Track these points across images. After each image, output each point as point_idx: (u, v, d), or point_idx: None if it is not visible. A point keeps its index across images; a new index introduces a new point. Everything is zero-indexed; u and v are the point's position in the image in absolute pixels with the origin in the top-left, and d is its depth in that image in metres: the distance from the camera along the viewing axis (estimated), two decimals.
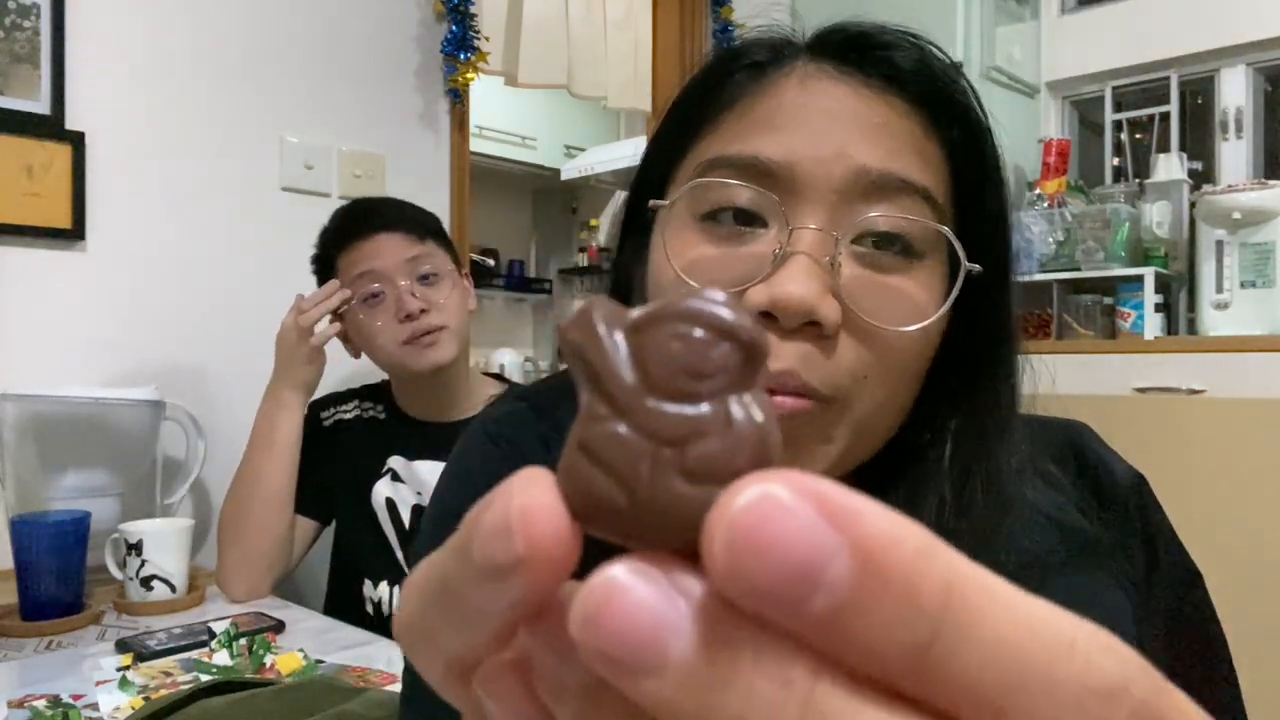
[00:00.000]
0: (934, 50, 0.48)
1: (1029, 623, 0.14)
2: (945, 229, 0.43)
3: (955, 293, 0.44)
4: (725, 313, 0.13)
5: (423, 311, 1.26)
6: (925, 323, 0.43)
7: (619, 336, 0.13)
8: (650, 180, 0.50)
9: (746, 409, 0.13)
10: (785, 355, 0.40)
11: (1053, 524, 0.52)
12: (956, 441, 0.47)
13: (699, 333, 0.13)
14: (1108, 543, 0.90)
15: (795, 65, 0.46)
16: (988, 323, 0.47)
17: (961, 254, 0.43)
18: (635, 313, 0.14)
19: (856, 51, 0.45)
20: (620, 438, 0.13)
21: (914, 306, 0.43)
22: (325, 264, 1.34)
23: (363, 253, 1.28)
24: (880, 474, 0.47)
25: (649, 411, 0.13)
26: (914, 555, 0.13)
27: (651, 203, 0.47)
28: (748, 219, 0.43)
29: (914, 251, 0.43)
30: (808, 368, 0.41)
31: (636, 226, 0.51)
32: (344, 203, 1.82)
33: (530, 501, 0.13)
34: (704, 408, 0.13)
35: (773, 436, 0.13)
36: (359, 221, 1.31)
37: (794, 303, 0.39)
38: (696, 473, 0.12)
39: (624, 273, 0.52)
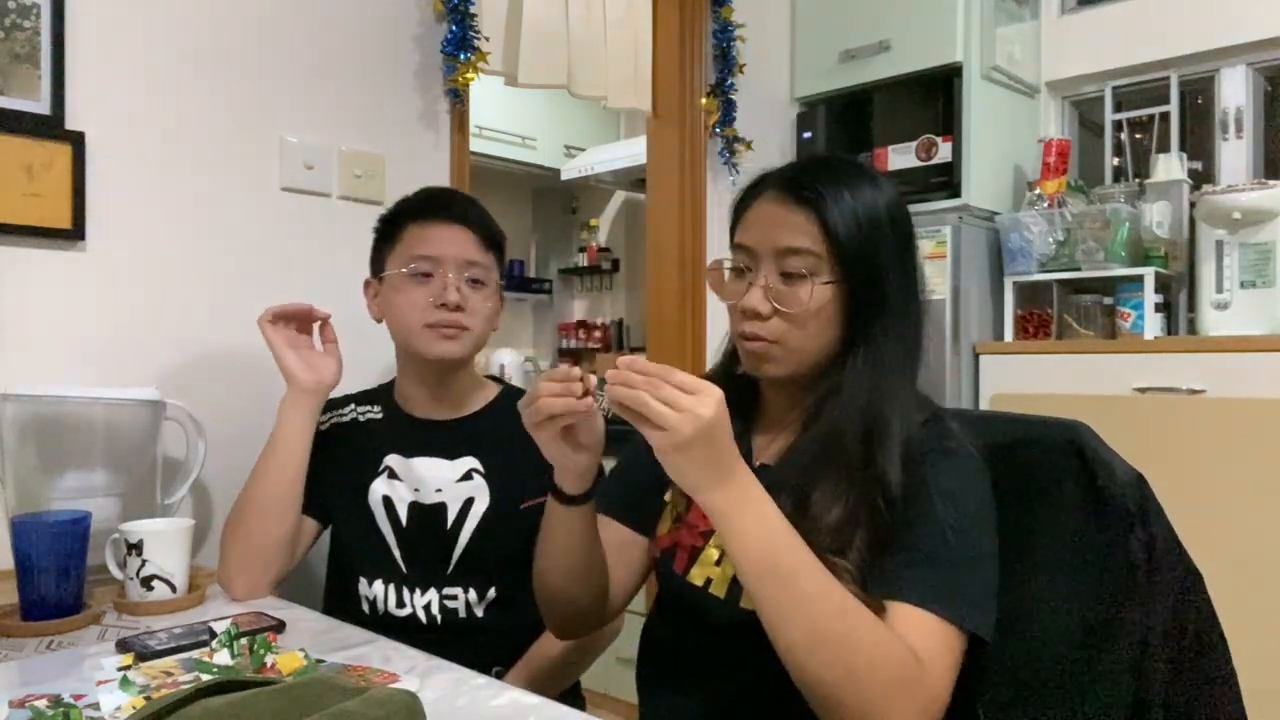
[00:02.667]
0: (824, 177, 0.96)
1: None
2: (807, 271, 0.94)
3: (813, 289, 0.94)
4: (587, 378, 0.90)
5: (458, 307, 1.30)
6: (806, 306, 0.94)
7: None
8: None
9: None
10: (754, 327, 0.96)
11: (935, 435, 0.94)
12: (857, 364, 0.95)
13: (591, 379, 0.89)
14: (1106, 542, 0.90)
15: (765, 189, 0.99)
16: (868, 310, 0.95)
17: (814, 281, 0.93)
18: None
19: (791, 181, 0.97)
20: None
21: (804, 300, 0.94)
22: (392, 226, 1.36)
23: (434, 233, 1.32)
24: (826, 377, 0.97)
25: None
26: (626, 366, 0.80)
27: (713, 263, 1.04)
28: (742, 271, 0.99)
29: (805, 277, 0.94)
30: (762, 329, 0.95)
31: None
32: (344, 202, 1.84)
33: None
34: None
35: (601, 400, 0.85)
36: (444, 205, 1.36)
37: (749, 306, 0.95)
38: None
39: None
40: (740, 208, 1.02)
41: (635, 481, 1.11)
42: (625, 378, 0.79)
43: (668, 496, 1.07)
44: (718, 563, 0.99)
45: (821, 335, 0.95)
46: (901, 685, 0.78)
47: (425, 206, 1.36)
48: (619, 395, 0.80)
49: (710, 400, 0.79)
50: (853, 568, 0.86)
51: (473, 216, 1.36)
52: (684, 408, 0.78)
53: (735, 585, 0.96)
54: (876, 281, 0.94)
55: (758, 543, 0.82)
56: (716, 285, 1.03)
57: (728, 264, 1.01)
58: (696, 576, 1.00)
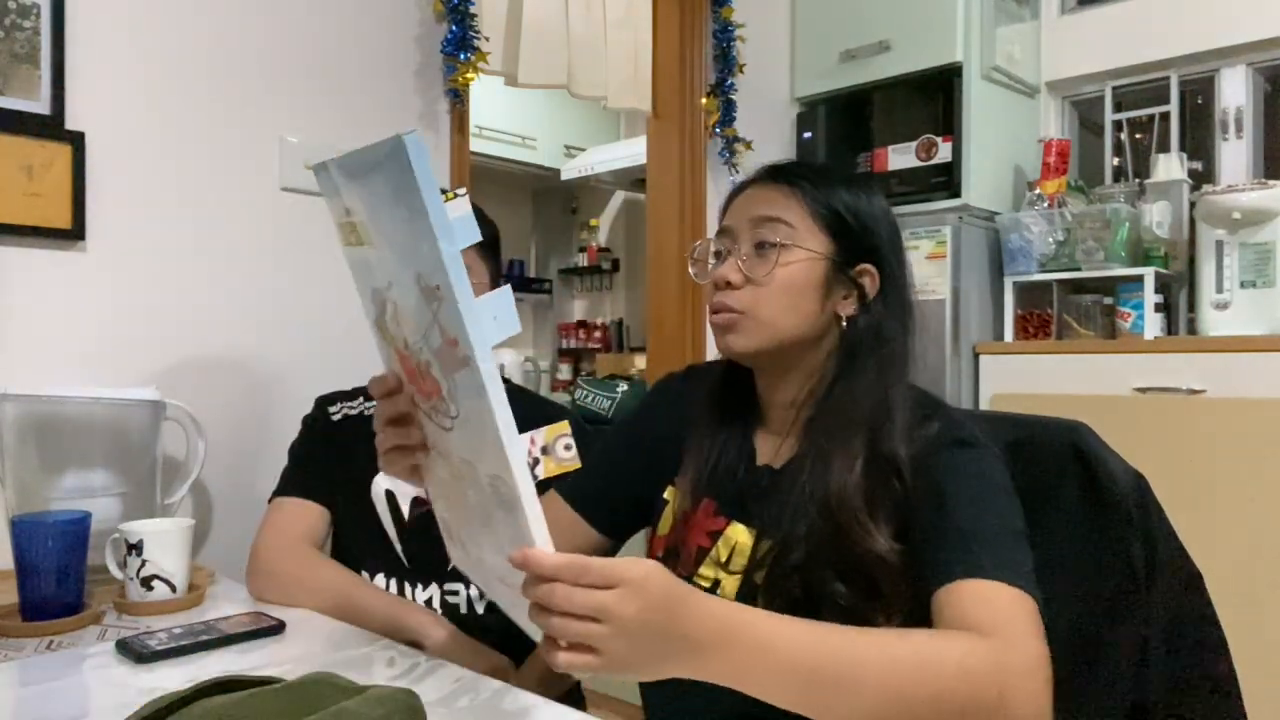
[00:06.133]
0: (814, 166, 0.99)
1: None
2: (780, 240, 0.92)
3: (779, 254, 0.92)
4: None
5: None
6: (772, 272, 0.91)
7: None
8: None
9: None
10: (722, 296, 0.93)
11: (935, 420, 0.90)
12: (843, 351, 0.94)
13: None
14: (1106, 543, 0.90)
15: (751, 182, 0.99)
16: (858, 287, 0.94)
17: (781, 241, 0.92)
18: None
19: (778, 169, 0.97)
20: None
21: (772, 270, 0.91)
22: None
23: None
24: (817, 363, 0.95)
25: None
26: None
27: (699, 246, 1.03)
28: (722, 253, 0.96)
29: (778, 246, 0.92)
30: (730, 299, 0.93)
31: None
32: None
33: None
34: None
35: None
36: None
37: (720, 275, 0.94)
38: None
39: None
40: (728, 201, 1.02)
41: (613, 481, 1.09)
42: (534, 596, 0.62)
43: (668, 494, 1.03)
44: (725, 564, 0.94)
45: (795, 310, 0.92)
46: (988, 677, 0.68)
47: None
48: (538, 620, 0.63)
49: (630, 592, 0.60)
50: (893, 559, 0.81)
51: None
52: (610, 614, 0.60)
53: (745, 589, 0.91)
54: (869, 257, 0.93)
55: (776, 684, 0.68)
56: (700, 272, 1.02)
57: (712, 247, 0.99)
58: (704, 578, 0.96)
